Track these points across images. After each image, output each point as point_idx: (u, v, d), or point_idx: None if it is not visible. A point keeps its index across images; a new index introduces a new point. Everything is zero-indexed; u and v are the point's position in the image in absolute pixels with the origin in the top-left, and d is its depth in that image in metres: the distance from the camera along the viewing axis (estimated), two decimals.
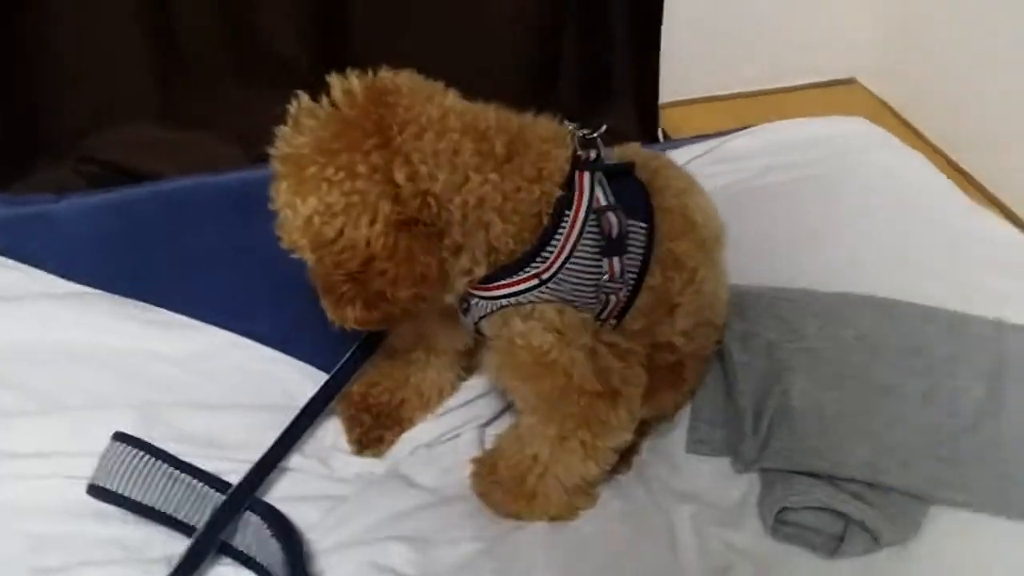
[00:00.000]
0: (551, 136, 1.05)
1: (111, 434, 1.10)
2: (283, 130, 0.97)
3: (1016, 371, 1.25)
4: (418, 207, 0.94)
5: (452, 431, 1.27)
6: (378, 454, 1.24)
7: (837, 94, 2.48)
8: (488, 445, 1.26)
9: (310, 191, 0.93)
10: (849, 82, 2.51)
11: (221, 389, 1.27)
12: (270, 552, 1.05)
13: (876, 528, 1.10)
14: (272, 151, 0.98)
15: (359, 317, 0.98)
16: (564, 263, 1.03)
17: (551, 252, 1.03)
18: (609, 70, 2.12)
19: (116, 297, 1.37)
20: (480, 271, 1.02)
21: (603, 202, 1.05)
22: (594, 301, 1.07)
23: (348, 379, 1.25)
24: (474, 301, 1.07)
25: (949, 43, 2.23)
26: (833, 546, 1.12)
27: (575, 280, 1.05)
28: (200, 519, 1.07)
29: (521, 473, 1.15)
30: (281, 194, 0.96)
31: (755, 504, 1.18)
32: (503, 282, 1.04)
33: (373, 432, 1.24)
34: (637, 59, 2.11)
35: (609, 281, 1.06)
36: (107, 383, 1.23)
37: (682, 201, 1.13)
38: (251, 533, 1.08)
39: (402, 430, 1.26)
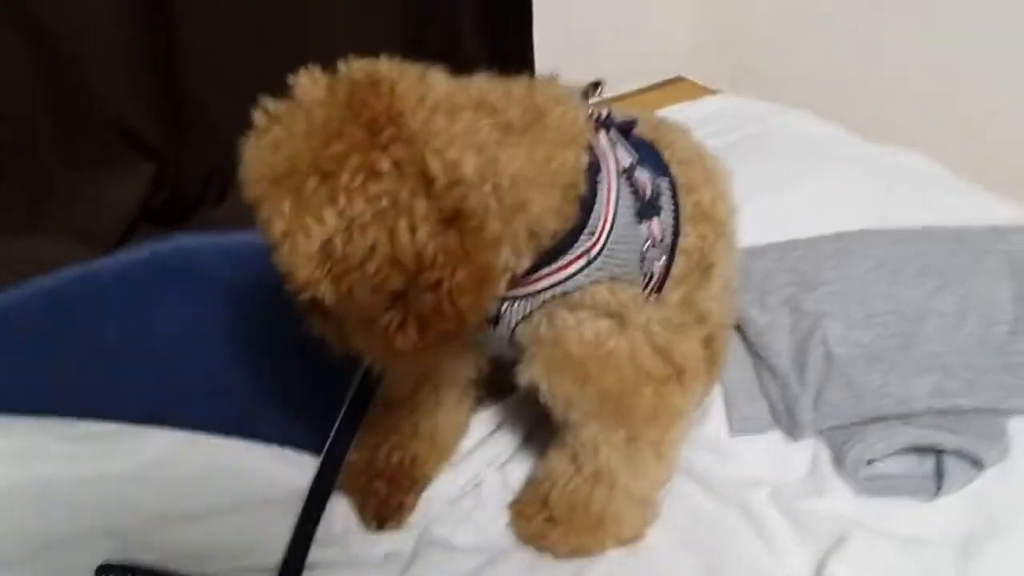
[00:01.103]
0: (561, 96, 0.90)
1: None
2: (252, 147, 0.78)
3: None
4: (458, 199, 0.77)
5: (472, 479, 1.10)
6: (401, 524, 1.04)
7: (670, 93, 2.46)
8: (515, 486, 1.09)
9: (322, 207, 0.74)
10: (678, 80, 2.53)
11: (195, 495, 1.04)
12: None
13: (975, 451, 1.01)
14: (245, 175, 0.78)
15: (416, 344, 0.78)
16: (610, 234, 0.89)
17: (596, 224, 0.89)
18: None
19: (26, 419, 1.11)
20: (524, 263, 0.86)
21: (628, 161, 0.93)
22: (638, 274, 0.94)
23: (348, 446, 1.06)
24: (507, 305, 0.91)
25: (766, 22, 2.28)
26: (931, 486, 1.03)
27: (621, 252, 0.91)
28: None
29: (582, 499, 0.99)
30: (279, 222, 0.75)
31: (831, 469, 1.07)
32: (547, 270, 0.88)
33: (392, 500, 1.05)
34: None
35: (652, 247, 0.94)
36: (60, 519, 0.98)
37: (697, 151, 1.03)
38: None
39: (421, 490, 1.07)
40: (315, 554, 0.98)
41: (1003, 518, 0.99)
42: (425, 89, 0.80)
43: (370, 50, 0.83)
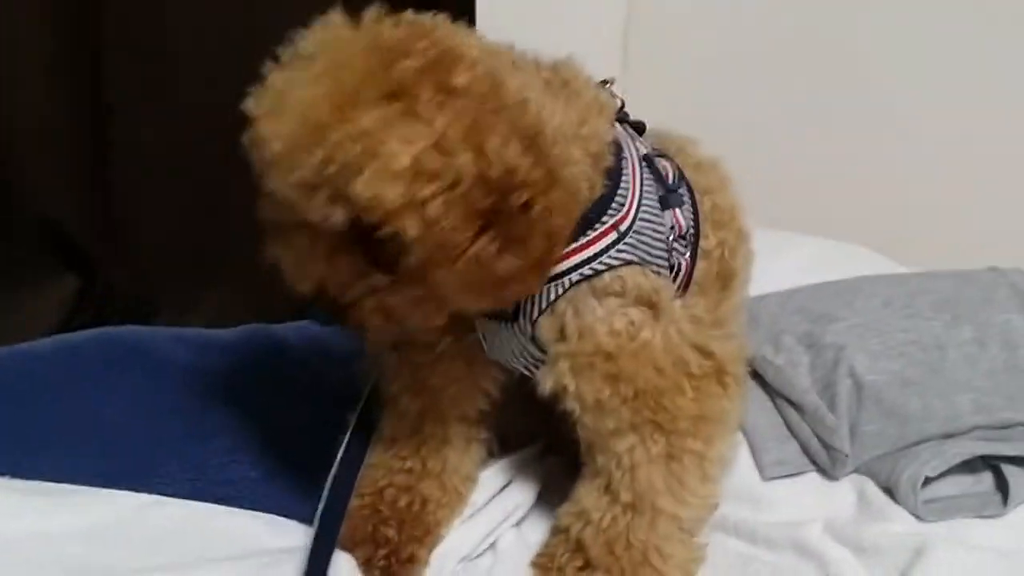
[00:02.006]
0: (581, 72, 0.87)
1: None
2: (292, 79, 0.71)
3: None
4: (535, 118, 0.73)
5: (486, 536, 0.96)
6: None
7: None
8: (533, 545, 0.95)
9: (407, 126, 0.67)
10: None
11: (157, 553, 0.88)
12: None
13: None
14: (284, 111, 0.70)
15: (520, 267, 0.72)
16: (639, 209, 0.83)
17: (624, 197, 0.83)
18: None
19: None
20: None
21: (645, 150, 0.90)
22: (666, 265, 0.87)
23: (352, 488, 0.91)
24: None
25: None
26: (997, 501, 0.95)
27: (649, 235, 0.84)
28: None
29: (621, 533, 0.87)
30: (355, 146, 0.67)
31: (884, 498, 0.98)
32: (574, 246, 0.81)
33: (403, 551, 0.90)
34: None
35: (678, 237, 0.88)
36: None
37: (709, 158, 0.99)
38: None
39: (434, 545, 0.93)
40: None
41: None
42: (469, 39, 0.76)
43: None
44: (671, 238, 0.87)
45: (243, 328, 1.36)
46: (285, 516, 0.98)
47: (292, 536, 0.94)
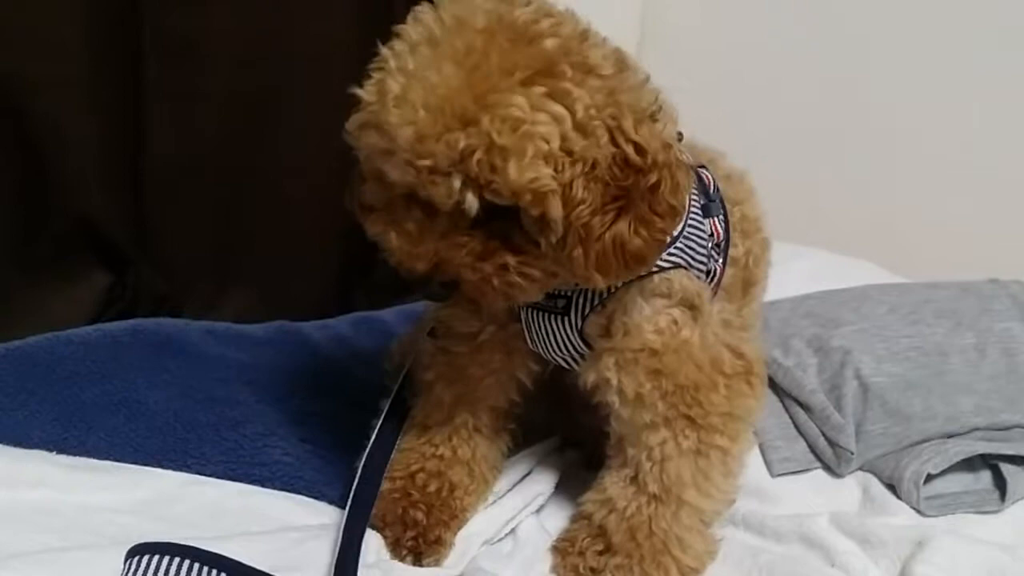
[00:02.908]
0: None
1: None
2: (418, 63, 0.73)
3: None
4: (652, 103, 0.77)
5: (508, 521, 1.00)
6: (439, 562, 0.94)
7: None
8: (552, 532, 1.00)
9: (556, 104, 0.71)
10: None
11: (200, 527, 0.91)
12: None
13: None
14: (413, 94, 0.72)
15: (648, 243, 0.76)
16: (688, 215, 0.87)
17: None
18: None
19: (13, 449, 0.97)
20: None
21: (690, 159, 0.93)
22: (704, 270, 0.91)
23: (383, 471, 0.95)
24: (579, 292, 0.87)
25: None
26: (995, 498, 1.01)
27: (695, 240, 0.89)
28: None
29: (644, 521, 0.91)
30: (505, 124, 0.70)
31: (886, 494, 1.04)
32: None
33: (431, 533, 0.94)
34: None
35: (716, 245, 0.92)
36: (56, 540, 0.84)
37: (738, 170, 1.04)
38: None
39: (459, 527, 0.97)
40: None
41: None
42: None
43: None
44: (710, 245, 0.91)
45: (270, 324, 1.40)
46: (315, 498, 1.02)
47: (323, 515, 1.00)
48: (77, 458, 0.98)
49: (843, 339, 1.16)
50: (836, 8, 1.71)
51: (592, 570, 0.93)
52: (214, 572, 0.75)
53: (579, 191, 0.73)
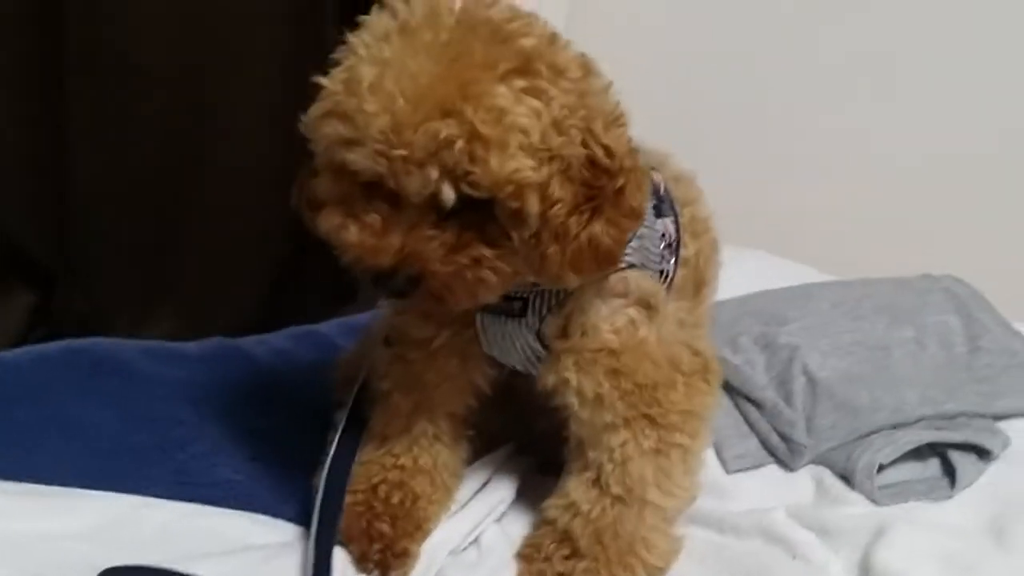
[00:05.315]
0: None
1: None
2: (395, 54, 0.71)
3: (971, 301, 1.28)
4: (616, 107, 0.79)
5: (472, 530, 0.98)
6: (407, 573, 0.92)
7: None
8: (516, 539, 0.99)
9: (534, 100, 0.71)
10: None
11: (155, 552, 0.87)
12: None
13: (982, 441, 1.04)
14: (392, 84, 0.70)
15: (617, 241, 0.78)
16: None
17: None
18: None
19: None
20: None
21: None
22: (659, 269, 0.91)
23: (345, 484, 0.93)
24: (535, 294, 0.87)
25: None
26: (945, 485, 1.03)
27: (648, 240, 0.89)
28: None
29: (610, 523, 0.91)
30: (487, 116, 0.69)
31: (840, 486, 1.06)
32: None
33: (397, 545, 0.92)
34: None
35: (668, 245, 0.92)
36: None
37: (687, 172, 1.04)
38: None
39: (424, 536, 0.95)
40: None
41: (1019, 498, 0.99)
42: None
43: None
44: (663, 246, 0.92)
45: (207, 341, 1.36)
46: (273, 515, 0.98)
47: (284, 533, 0.96)
48: (20, 484, 0.93)
49: (789, 336, 1.19)
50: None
51: (559, 574, 0.92)
52: None
53: (556, 189, 0.73)
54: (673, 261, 0.93)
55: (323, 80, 0.75)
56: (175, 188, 1.49)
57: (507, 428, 1.11)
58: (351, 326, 1.48)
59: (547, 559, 0.93)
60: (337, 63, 0.75)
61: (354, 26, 0.77)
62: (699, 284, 1.01)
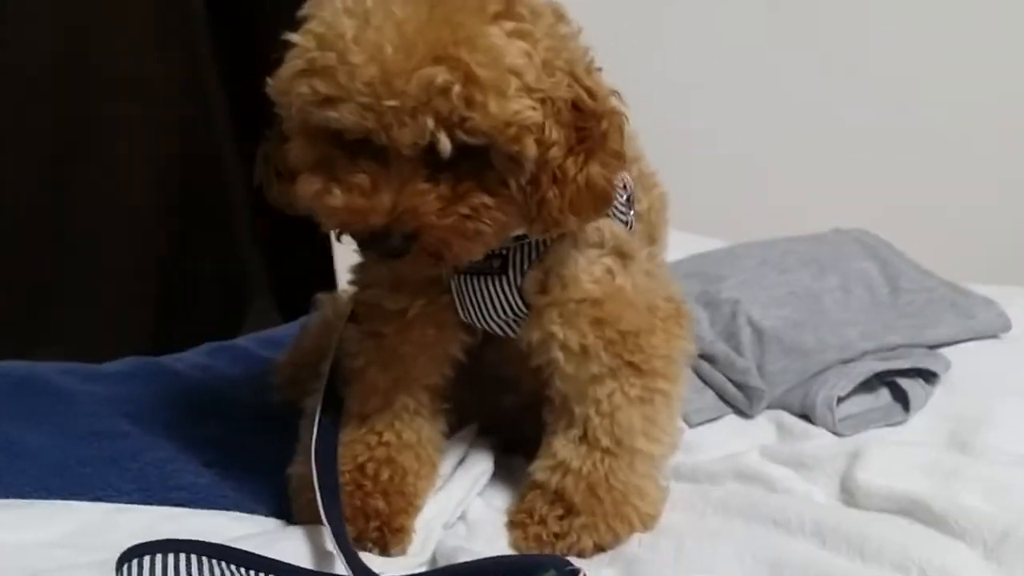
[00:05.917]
0: None
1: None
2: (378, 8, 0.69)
3: (882, 248, 1.35)
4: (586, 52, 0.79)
5: (460, 503, 0.96)
6: (405, 549, 0.89)
7: None
8: (501, 511, 0.97)
9: (524, 46, 0.71)
10: None
11: None
12: None
13: (928, 364, 1.10)
14: (380, 35, 0.68)
15: (610, 181, 0.78)
16: None
17: None
18: None
19: None
20: None
21: None
22: (625, 222, 0.92)
23: (335, 457, 0.89)
24: (515, 248, 0.86)
25: None
26: (898, 409, 1.08)
27: (616, 190, 0.88)
28: None
29: (603, 477, 0.90)
30: (483, 58, 0.68)
31: (801, 424, 1.09)
32: None
33: (394, 521, 0.89)
34: None
35: (628, 198, 0.93)
36: None
37: (627, 128, 1.06)
38: None
39: (416, 511, 0.93)
40: None
41: (970, 412, 1.05)
42: None
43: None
44: (625, 197, 0.92)
45: (122, 360, 1.30)
46: (249, 512, 0.94)
47: (266, 525, 0.93)
48: None
49: (730, 291, 1.23)
50: None
51: (556, 535, 0.90)
52: (223, 564, 0.67)
53: (551, 131, 0.73)
54: (631, 213, 0.95)
55: (294, 37, 0.72)
56: (51, 219, 1.42)
57: (472, 406, 1.10)
58: (268, 339, 1.45)
59: (541, 521, 0.91)
60: (305, 19, 0.72)
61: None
62: (652, 238, 1.02)
